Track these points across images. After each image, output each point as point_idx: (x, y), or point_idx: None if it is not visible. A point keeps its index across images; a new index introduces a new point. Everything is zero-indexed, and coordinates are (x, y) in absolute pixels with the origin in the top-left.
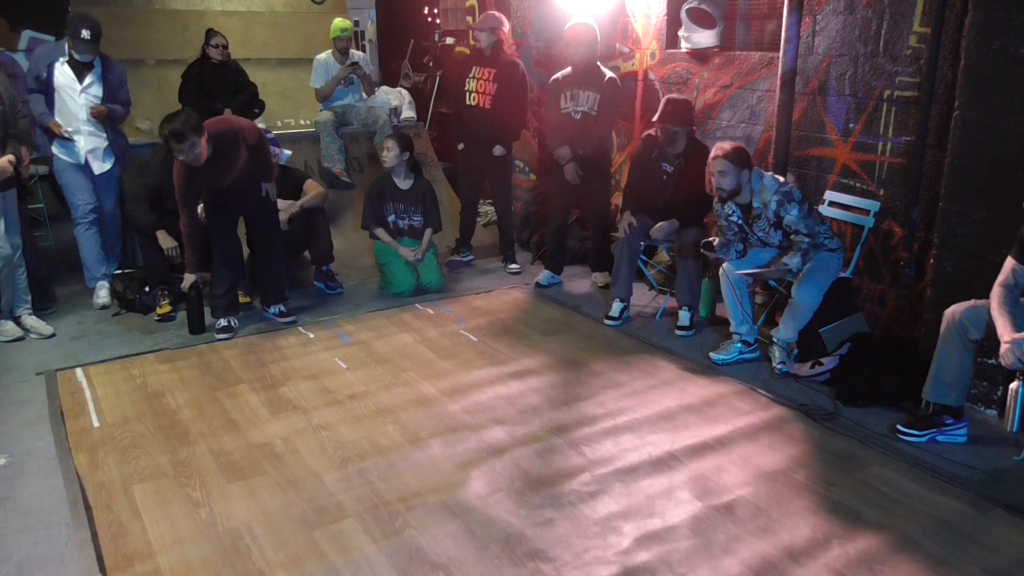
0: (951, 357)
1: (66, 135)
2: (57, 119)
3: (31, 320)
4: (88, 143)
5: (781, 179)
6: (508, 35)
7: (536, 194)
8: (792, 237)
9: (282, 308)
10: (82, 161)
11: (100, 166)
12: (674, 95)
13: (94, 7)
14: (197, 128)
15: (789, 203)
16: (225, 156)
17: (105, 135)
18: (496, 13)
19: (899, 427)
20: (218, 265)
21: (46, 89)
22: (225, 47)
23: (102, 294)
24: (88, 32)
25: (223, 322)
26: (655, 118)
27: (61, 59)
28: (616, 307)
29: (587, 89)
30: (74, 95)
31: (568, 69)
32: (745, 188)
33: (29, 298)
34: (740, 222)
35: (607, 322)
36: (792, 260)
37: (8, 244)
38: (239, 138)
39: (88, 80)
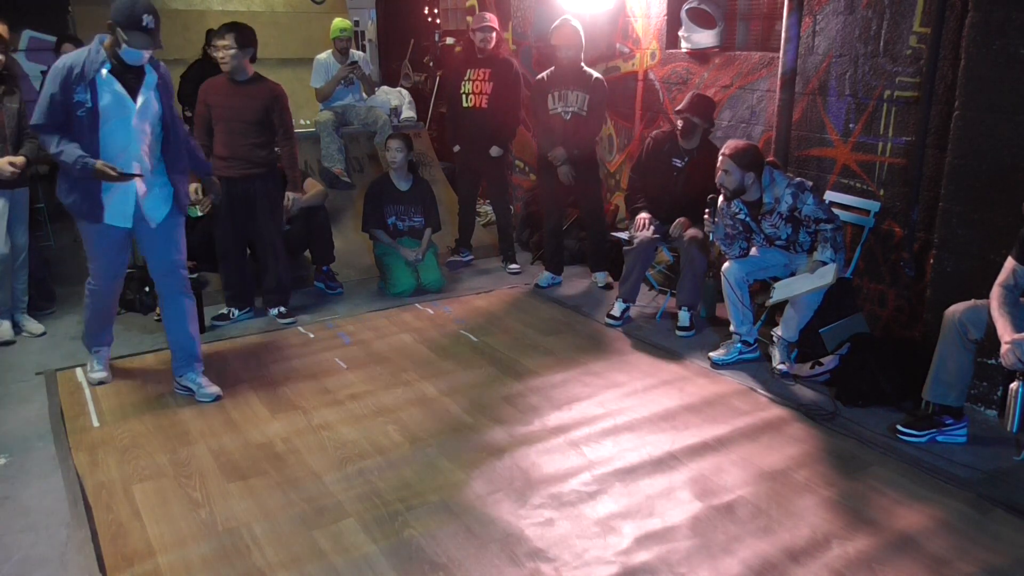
0: (951, 357)
1: (133, 173)
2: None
3: (23, 318)
4: (144, 187)
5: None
6: (500, 30)
7: (534, 195)
8: (816, 228)
9: (282, 309)
10: (130, 220)
11: (157, 214)
12: (700, 92)
13: (95, 7)
14: (251, 45)
15: (803, 192)
16: (249, 95)
17: (166, 176)
18: (486, 14)
19: (899, 427)
20: (219, 259)
21: (90, 118)
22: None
23: (98, 369)
24: (151, 17)
25: (223, 310)
26: (679, 107)
27: (104, 70)
28: (618, 307)
29: (576, 89)
30: (127, 121)
31: (551, 69)
32: (752, 188)
33: (26, 298)
34: (747, 219)
35: (608, 321)
36: (823, 254)
37: (8, 244)
38: (268, 90)
39: (143, 97)
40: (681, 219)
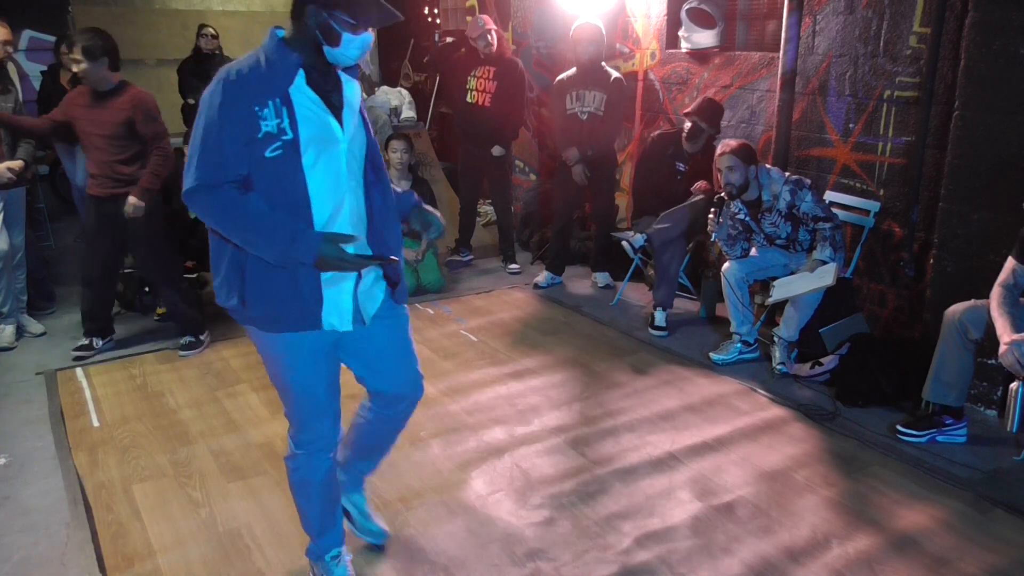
0: (951, 357)
1: (382, 256)
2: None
3: (23, 318)
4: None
5: (785, 172)
6: (499, 30)
7: (537, 194)
8: (815, 227)
9: (190, 339)
10: (351, 319)
11: (371, 303)
12: (712, 96)
13: (94, 7)
14: (106, 54)
15: (801, 190)
16: (111, 107)
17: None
18: (483, 16)
19: (899, 427)
20: (83, 286)
21: (290, 158)
22: (215, 36)
23: None
24: None
25: (83, 340)
26: (688, 110)
27: (298, 79)
28: (660, 317)
29: (593, 89)
30: (336, 159)
31: (573, 70)
32: (753, 184)
33: (25, 298)
34: (747, 219)
35: (655, 332)
36: (823, 253)
37: (7, 243)
38: (129, 99)
39: (350, 118)
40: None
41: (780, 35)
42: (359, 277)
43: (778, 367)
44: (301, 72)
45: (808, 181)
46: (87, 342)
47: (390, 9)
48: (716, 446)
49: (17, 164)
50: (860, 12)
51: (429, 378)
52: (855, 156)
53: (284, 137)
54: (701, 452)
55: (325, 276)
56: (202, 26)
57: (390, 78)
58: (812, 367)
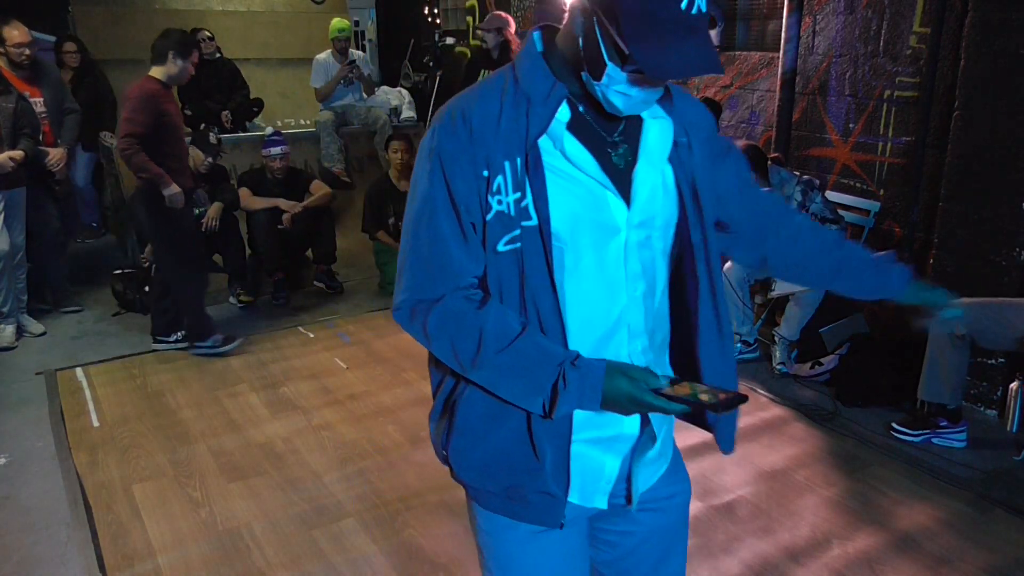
0: (940, 353)
1: (736, 395)
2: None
3: (23, 318)
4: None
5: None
6: (514, 36)
7: None
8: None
9: (184, 334)
10: (607, 494)
11: (646, 474)
12: (710, 96)
13: (94, 7)
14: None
15: (812, 191)
16: (175, 99)
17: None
18: (502, 14)
19: (894, 425)
20: (183, 287)
21: (532, 255)
22: (211, 38)
23: None
24: None
25: (179, 335)
26: None
27: (555, 124)
28: None
29: None
30: (603, 251)
31: None
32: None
33: (25, 298)
34: None
35: None
36: None
37: (8, 243)
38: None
39: (645, 182)
40: None
41: (780, 35)
42: (645, 438)
43: (778, 367)
44: (565, 107)
45: (817, 182)
46: (180, 335)
47: (709, 56)
48: (716, 446)
49: (18, 154)
50: (860, 12)
51: (429, 377)
52: (855, 156)
53: (525, 223)
54: (701, 452)
55: (584, 435)
56: (196, 30)
57: (390, 78)
58: (812, 367)
